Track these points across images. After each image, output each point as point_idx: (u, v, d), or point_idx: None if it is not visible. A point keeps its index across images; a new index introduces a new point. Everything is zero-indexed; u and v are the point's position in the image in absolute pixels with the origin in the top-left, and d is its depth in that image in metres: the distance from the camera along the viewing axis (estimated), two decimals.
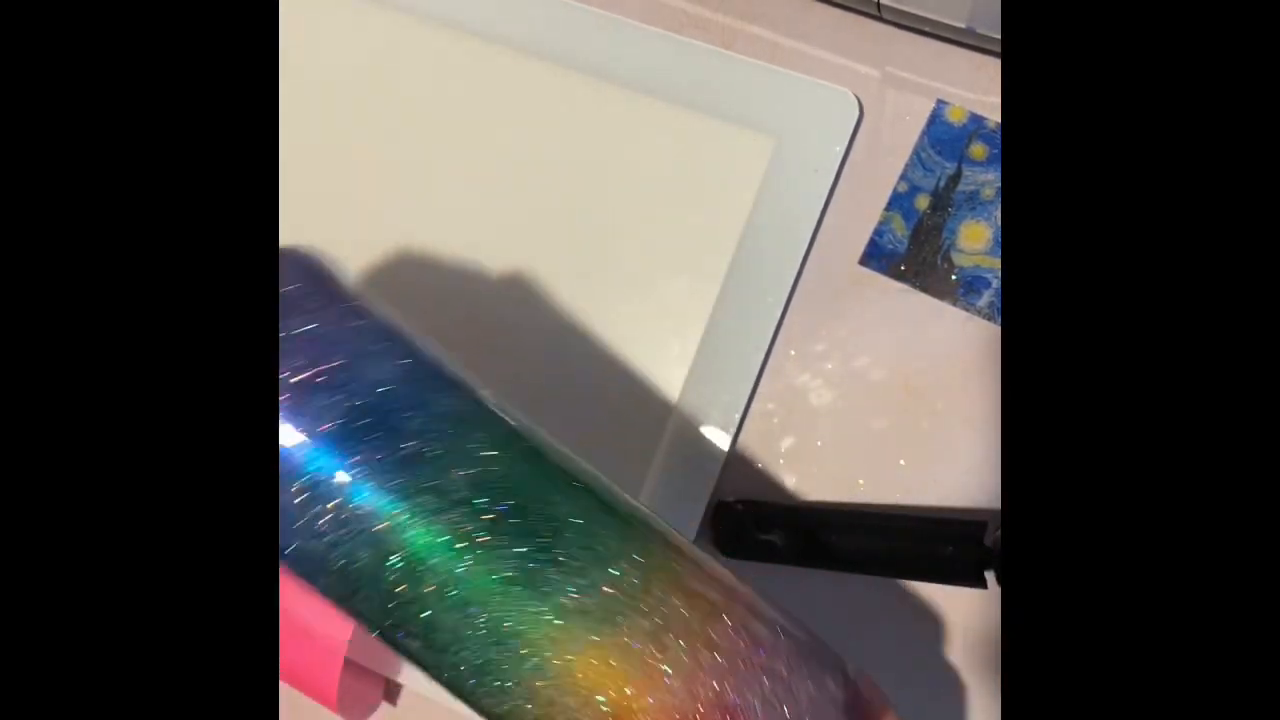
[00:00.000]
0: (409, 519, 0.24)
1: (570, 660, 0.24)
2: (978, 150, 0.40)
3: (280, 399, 0.24)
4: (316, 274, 0.27)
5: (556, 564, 0.24)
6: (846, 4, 0.41)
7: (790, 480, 0.40)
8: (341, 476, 0.24)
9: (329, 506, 0.24)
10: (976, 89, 0.41)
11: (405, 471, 0.24)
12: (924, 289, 0.40)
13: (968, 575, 0.36)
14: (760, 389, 0.40)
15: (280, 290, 0.25)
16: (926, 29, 0.40)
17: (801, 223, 0.40)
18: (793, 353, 0.40)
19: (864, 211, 0.41)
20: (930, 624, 0.38)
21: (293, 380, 0.24)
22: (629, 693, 0.24)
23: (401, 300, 0.42)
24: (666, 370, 0.41)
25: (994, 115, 0.40)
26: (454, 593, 0.24)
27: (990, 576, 0.36)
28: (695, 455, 0.40)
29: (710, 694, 0.24)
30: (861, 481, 0.39)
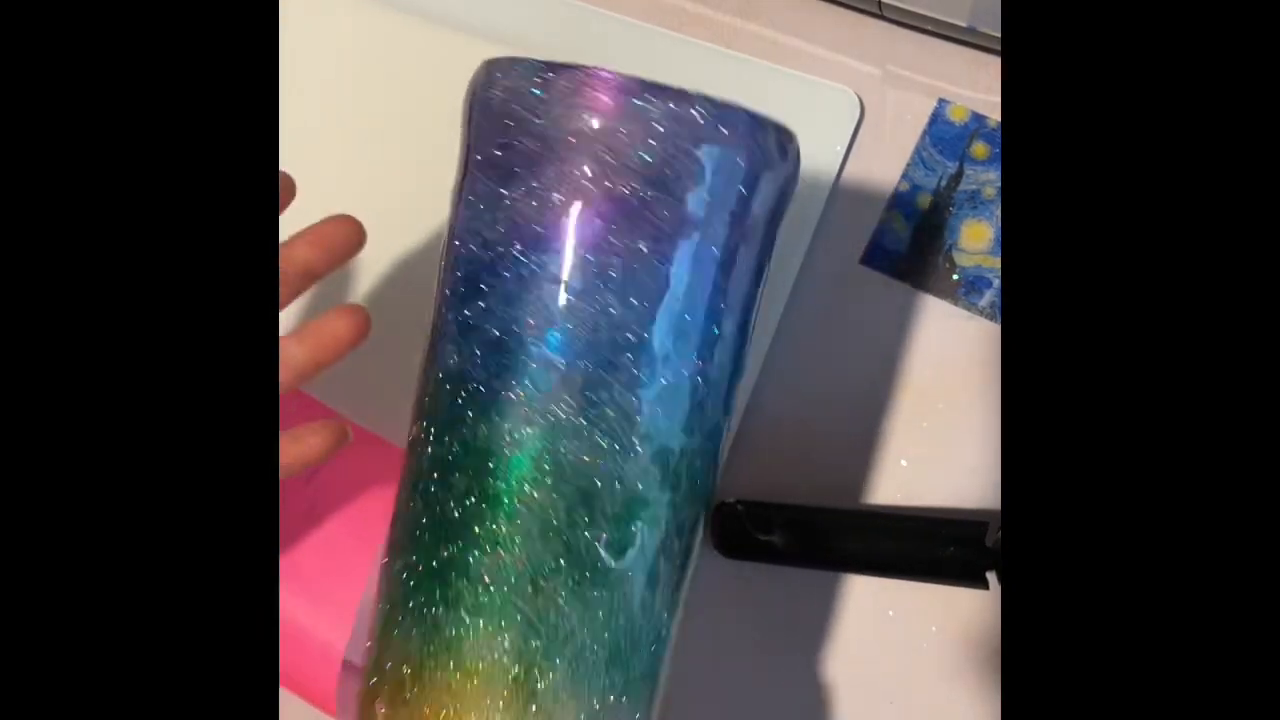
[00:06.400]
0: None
1: None
2: (979, 149, 0.40)
3: None
4: None
5: None
6: (848, 2, 0.41)
7: (790, 480, 0.40)
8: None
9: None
10: (978, 88, 0.41)
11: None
12: (925, 288, 0.40)
13: (968, 575, 0.36)
14: (760, 389, 0.40)
15: None
16: (928, 27, 0.40)
17: (802, 222, 0.40)
18: (793, 353, 0.40)
19: (865, 211, 0.40)
20: (930, 624, 0.38)
21: None
22: None
23: (404, 296, 0.42)
24: None
25: (995, 114, 0.40)
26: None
27: (991, 576, 0.36)
28: None
29: None
30: (861, 482, 0.39)
